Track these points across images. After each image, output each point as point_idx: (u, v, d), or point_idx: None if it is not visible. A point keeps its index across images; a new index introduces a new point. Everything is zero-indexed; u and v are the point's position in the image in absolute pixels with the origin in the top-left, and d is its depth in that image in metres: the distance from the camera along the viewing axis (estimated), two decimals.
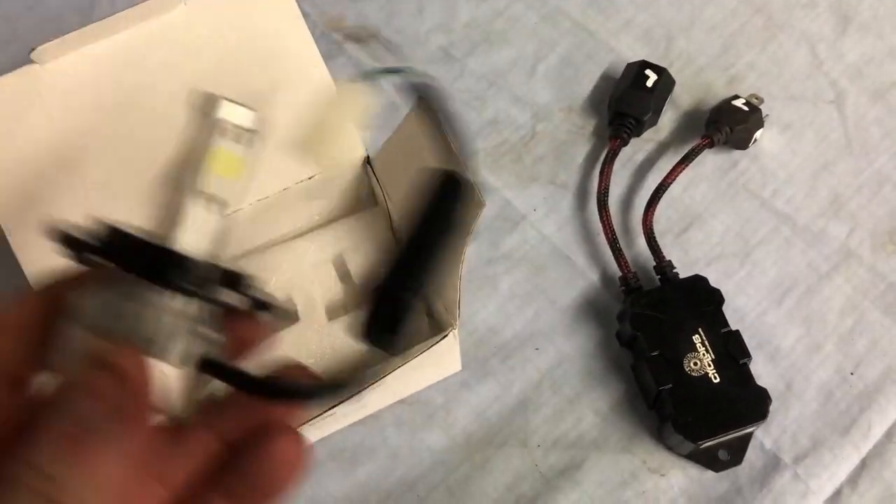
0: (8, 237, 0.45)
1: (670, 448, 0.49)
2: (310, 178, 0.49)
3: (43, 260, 0.45)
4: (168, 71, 0.47)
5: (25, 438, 0.24)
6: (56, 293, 0.28)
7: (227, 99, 0.29)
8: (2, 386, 0.27)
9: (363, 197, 0.53)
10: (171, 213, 0.29)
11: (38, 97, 0.45)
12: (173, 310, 0.27)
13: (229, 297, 0.28)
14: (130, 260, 0.27)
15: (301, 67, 0.48)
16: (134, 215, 0.47)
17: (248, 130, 0.30)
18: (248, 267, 0.51)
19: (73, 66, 0.46)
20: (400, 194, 0.48)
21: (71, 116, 0.46)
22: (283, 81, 0.48)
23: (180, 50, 0.47)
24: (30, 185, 0.46)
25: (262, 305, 0.29)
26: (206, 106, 0.29)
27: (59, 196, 0.46)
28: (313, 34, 0.49)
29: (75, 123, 0.46)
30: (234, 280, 0.28)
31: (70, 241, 0.27)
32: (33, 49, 0.44)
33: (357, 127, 0.31)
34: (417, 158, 0.45)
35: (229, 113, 0.29)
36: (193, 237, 0.28)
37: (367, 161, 0.50)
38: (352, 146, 0.49)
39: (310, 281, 0.51)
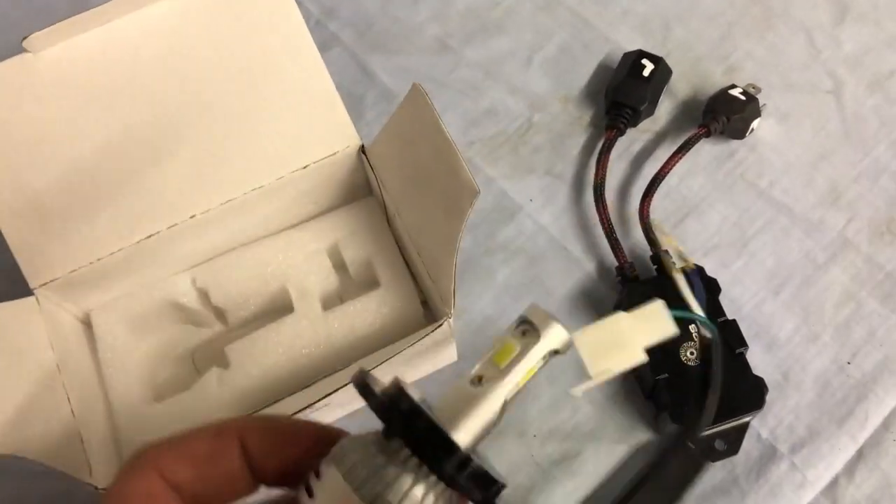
0: (0, 225, 0.45)
1: (667, 438, 0.49)
2: (304, 168, 0.48)
3: (35, 248, 0.46)
4: (161, 59, 0.47)
5: None
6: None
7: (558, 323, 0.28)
8: None
9: (358, 186, 0.53)
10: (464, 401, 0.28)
11: (30, 86, 0.45)
12: (424, 483, 0.26)
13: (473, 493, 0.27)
14: (411, 432, 0.26)
15: (295, 57, 0.48)
16: (125, 203, 0.47)
17: (551, 353, 0.28)
18: (242, 258, 0.51)
19: (65, 54, 0.45)
20: (395, 183, 0.48)
21: (63, 105, 0.46)
22: (276, 70, 0.48)
23: (174, 38, 0.47)
24: (22, 174, 0.45)
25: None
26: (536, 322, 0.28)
27: (51, 184, 0.46)
28: (308, 24, 0.49)
29: (68, 112, 0.46)
30: (485, 482, 0.26)
31: (366, 391, 0.27)
32: (25, 38, 0.44)
33: (641, 347, 0.30)
34: (412, 148, 0.45)
35: (553, 338, 0.28)
36: (474, 428, 0.28)
37: (362, 150, 0.50)
38: (347, 135, 0.49)
39: (304, 271, 0.51)
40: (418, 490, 0.26)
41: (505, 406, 0.28)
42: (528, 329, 0.28)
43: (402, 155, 0.46)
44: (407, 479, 0.26)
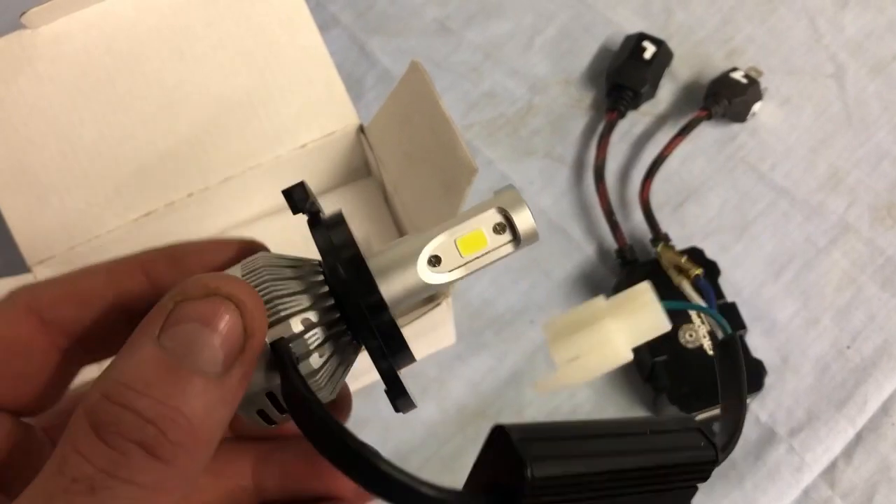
0: None
1: None
2: (302, 147, 0.48)
3: (32, 225, 0.45)
4: (160, 36, 0.46)
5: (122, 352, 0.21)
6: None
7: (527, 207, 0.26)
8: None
9: (356, 168, 0.53)
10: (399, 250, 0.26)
11: (28, 62, 0.45)
12: (321, 313, 0.24)
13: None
14: (331, 255, 0.24)
15: (294, 35, 0.48)
16: (123, 180, 0.47)
17: (515, 239, 0.26)
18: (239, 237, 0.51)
19: (64, 30, 0.45)
20: (393, 162, 0.48)
21: (62, 82, 0.45)
22: (275, 49, 0.48)
23: (172, 15, 0.46)
24: (19, 151, 0.45)
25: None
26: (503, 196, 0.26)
27: (48, 160, 0.45)
28: (308, 5, 0.49)
29: (66, 88, 0.45)
30: (392, 341, 0.24)
31: (299, 205, 0.25)
32: (24, 13, 0.43)
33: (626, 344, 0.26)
34: (411, 127, 0.45)
35: (522, 219, 0.26)
36: (398, 285, 0.25)
37: (361, 130, 0.49)
38: (346, 115, 0.49)
39: (302, 251, 0.50)
40: (312, 315, 0.24)
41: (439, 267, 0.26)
42: (502, 226, 0.26)
43: (401, 133, 0.46)
44: (304, 300, 0.24)
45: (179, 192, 0.47)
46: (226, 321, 0.21)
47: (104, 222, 0.46)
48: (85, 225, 0.46)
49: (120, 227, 0.47)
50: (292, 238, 0.50)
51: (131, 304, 0.25)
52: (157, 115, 0.46)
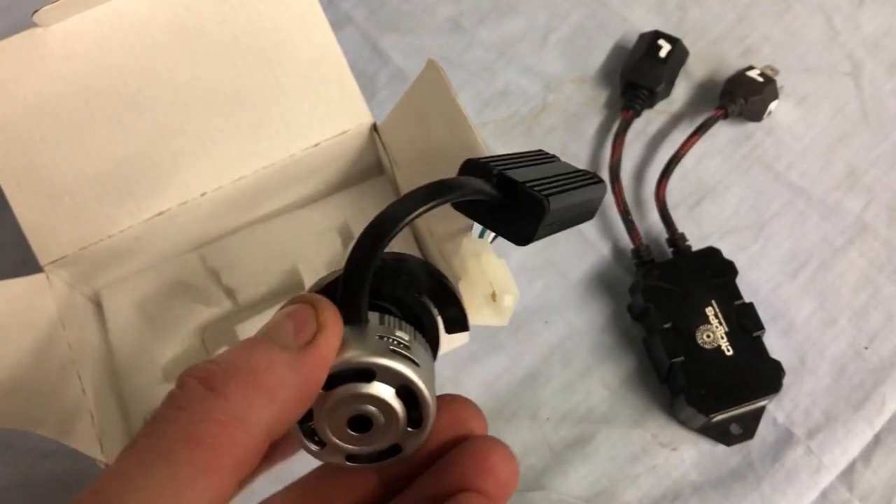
0: (9, 199, 0.45)
1: (682, 422, 0.49)
2: (315, 146, 0.48)
3: (44, 225, 0.45)
4: (172, 34, 0.46)
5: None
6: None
7: None
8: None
9: (369, 166, 0.52)
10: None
11: (40, 60, 0.44)
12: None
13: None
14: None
15: (307, 33, 0.48)
16: (135, 179, 0.46)
17: None
18: (253, 237, 0.51)
19: (76, 28, 0.45)
20: (407, 161, 0.47)
21: (74, 81, 0.45)
22: (288, 48, 0.47)
23: (184, 13, 0.46)
24: (32, 150, 0.45)
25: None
26: None
27: (60, 159, 0.45)
28: (320, 3, 0.48)
29: (78, 87, 0.45)
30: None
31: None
32: (36, 11, 0.43)
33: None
34: (425, 126, 0.44)
35: None
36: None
37: (374, 129, 0.49)
38: (359, 113, 0.49)
39: (314, 250, 0.50)
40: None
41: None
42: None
43: (416, 132, 0.45)
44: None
45: (192, 192, 0.47)
46: (301, 313, 0.26)
47: (116, 222, 0.46)
48: (97, 224, 0.46)
49: (132, 227, 0.46)
50: (304, 237, 0.50)
51: None
52: (169, 114, 0.46)
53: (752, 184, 0.55)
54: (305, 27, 0.48)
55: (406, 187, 0.48)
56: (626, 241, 0.53)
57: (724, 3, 0.62)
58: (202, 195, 0.47)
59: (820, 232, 0.53)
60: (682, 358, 0.47)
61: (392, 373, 0.26)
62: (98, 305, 0.50)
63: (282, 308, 0.27)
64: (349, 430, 0.27)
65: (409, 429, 0.27)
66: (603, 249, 0.54)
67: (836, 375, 0.49)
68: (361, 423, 0.27)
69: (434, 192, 0.28)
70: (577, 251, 0.54)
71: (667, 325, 0.48)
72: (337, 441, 0.27)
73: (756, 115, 0.56)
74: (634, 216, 0.53)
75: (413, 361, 0.27)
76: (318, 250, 0.50)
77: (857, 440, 0.48)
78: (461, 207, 0.32)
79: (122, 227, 0.46)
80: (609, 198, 0.54)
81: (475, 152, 0.39)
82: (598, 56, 0.61)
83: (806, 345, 0.50)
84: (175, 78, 0.46)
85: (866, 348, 0.50)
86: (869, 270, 0.52)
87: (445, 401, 0.29)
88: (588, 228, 0.54)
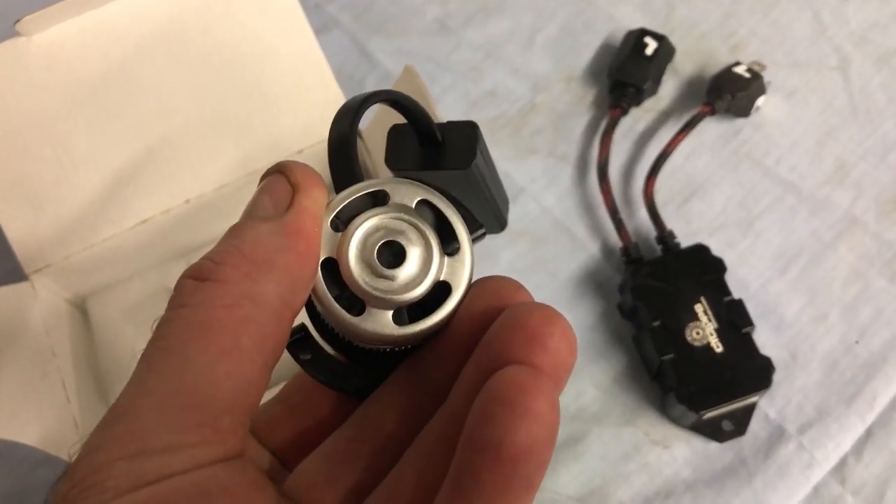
0: None
1: (673, 420, 0.49)
2: (299, 152, 0.48)
3: (29, 234, 0.45)
4: (154, 43, 0.46)
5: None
6: None
7: None
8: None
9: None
10: None
11: (23, 69, 0.45)
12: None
13: None
14: None
15: (290, 39, 0.48)
16: (119, 188, 0.46)
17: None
18: None
19: (58, 38, 0.45)
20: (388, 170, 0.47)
21: (56, 89, 0.45)
22: (271, 56, 0.48)
23: (166, 20, 0.46)
24: (15, 160, 0.45)
25: None
26: None
27: (44, 170, 0.45)
28: (307, 7, 0.48)
29: (61, 96, 0.45)
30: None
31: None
32: (18, 20, 0.43)
33: None
34: None
35: None
36: None
37: (359, 135, 0.49)
38: None
39: None
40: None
41: None
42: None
43: None
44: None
45: (176, 199, 0.47)
46: (272, 183, 0.25)
47: (99, 230, 0.46)
48: (81, 233, 0.46)
49: (116, 234, 0.46)
50: None
51: None
52: (152, 122, 0.46)
53: (741, 180, 0.55)
54: (288, 35, 0.48)
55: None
56: (616, 240, 0.53)
57: None
58: (186, 202, 0.47)
59: (809, 227, 0.53)
60: (671, 355, 0.47)
61: (405, 188, 0.25)
62: (84, 312, 0.50)
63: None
64: (384, 270, 0.24)
65: (448, 256, 0.25)
66: (592, 248, 0.54)
67: (828, 370, 0.49)
68: (393, 257, 0.25)
69: (388, 92, 0.27)
70: (567, 250, 0.54)
71: (656, 323, 0.48)
72: (373, 290, 0.24)
73: (743, 111, 0.56)
74: (623, 214, 0.53)
75: (423, 182, 0.26)
76: None
77: (849, 435, 0.48)
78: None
79: (106, 235, 0.46)
80: (598, 196, 0.54)
81: None
82: (585, 55, 0.61)
83: (797, 340, 0.50)
84: (158, 87, 0.46)
85: (857, 343, 0.50)
86: (859, 265, 0.52)
87: (479, 281, 0.26)
88: (577, 227, 0.54)
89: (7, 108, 0.45)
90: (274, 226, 0.24)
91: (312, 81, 0.48)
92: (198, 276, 0.23)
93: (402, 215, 0.25)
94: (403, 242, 0.25)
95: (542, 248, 0.54)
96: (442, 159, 0.28)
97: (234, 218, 0.50)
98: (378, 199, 0.25)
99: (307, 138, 0.48)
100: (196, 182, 0.47)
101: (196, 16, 0.46)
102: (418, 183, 0.26)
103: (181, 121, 0.46)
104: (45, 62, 0.45)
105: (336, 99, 0.48)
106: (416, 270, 0.25)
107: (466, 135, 0.28)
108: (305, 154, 0.48)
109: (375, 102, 0.26)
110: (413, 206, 0.25)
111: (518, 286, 0.25)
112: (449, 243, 0.25)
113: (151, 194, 0.46)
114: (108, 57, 0.46)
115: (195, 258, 0.50)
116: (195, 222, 0.48)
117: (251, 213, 0.25)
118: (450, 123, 0.28)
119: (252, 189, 0.48)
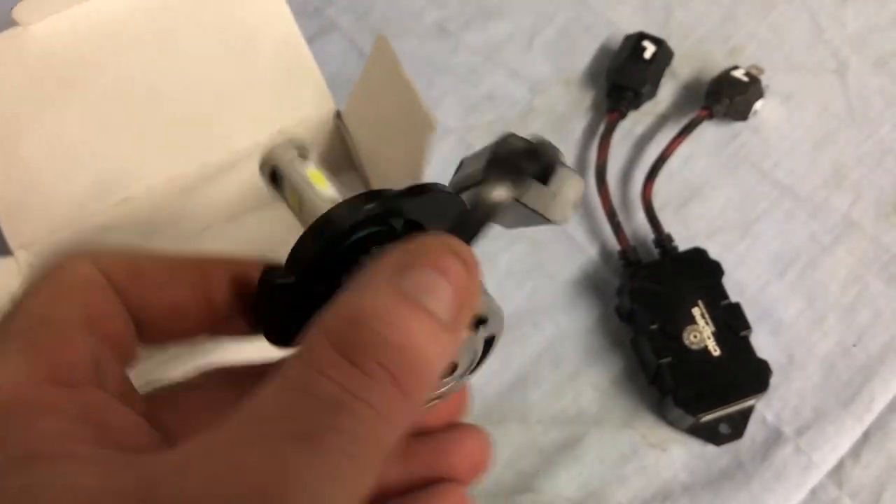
0: None
1: (671, 423, 0.49)
2: (279, 131, 0.49)
3: (16, 208, 0.46)
4: (147, 32, 0.47)
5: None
6: None
7: None
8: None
9: (338, 160, 0.53)
10: None
11: (20, 59, 0.46)
12: None
13: None
14: None
15: (272, 27, 0.49)
16: (117, 176, 0.47)
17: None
18: (224, 230, 0.52)
19: (56, 27, 0.46)
20: (374, 147, 0.48)
21: (51, 76, 0.46)
22: (254, 42, 0.49)
23: (159, 13, 0.47)
24: (9, 140, 0.46)
25: None
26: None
27: (36, 151, 0.46)
28: (306, 10, 0.49)
29: (55, 83, 0.46)
30: None
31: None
32: (14, 9, 0.44)
33: None
34: (382, 107, 0.45)
35: None
36: None
37: (338, 116, 0.49)
38: (322, 101, 0.50)
39: (285, 241, 0.50)
40: None
41: None
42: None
43: (375, 114, 0.46)
44: None
45: (158, 177, 0.48)
46: (456, 273, 0.22)
47: (85, 210, 0.47)
48: (67, 213, 0.47)
49: (99, 212, 0.48)
50: (278, 232, 0.50)
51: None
52: (141, 107, 0.48)
53: (739, 183, 0.55)
54: (270, 21, 0.49)
55: (374, 179, 0.49)
56: (614, 243, 0.53)
57: (709, 2, 0.62)
58: (168, 179, 0.48)
59: (807, 230, 0.54)
60: (669, 359, 0.47)
61: (497, 320, 0.26)
62: None
63: (415, 247, 0.22)
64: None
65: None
66: (590, 251, 0.54)
67: (825, 373, 0.50)
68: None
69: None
70: (565, 253, 0.54)
71: (654, 326, 0.48)
72: None
73: (741, 114, 0.56)
74: (621, 217, 0.53)
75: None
76: (289, 241, 0.51)
77: (847, 437, 0.48)
78: None
79: (91, 213, 0.47)
80: (596, 199, 0.54)
81: (418, 114, 0.39)
82: (583, 58, 0.61)
83: (794, 343, 0.50)
84: (148, 73, 0.48)
85: (854, 346, 0.50)
86: (856, 268, 0.52)
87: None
88: (575, 230, 0.55)
89: (2, 92, 0.46)
90: (448, 342, 0.22)
91: (293, 64, 0.49)
92: (393, 376, 0.21)
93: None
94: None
95: (541, 251, 0.54)
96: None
97: (220, 203, 0.51)
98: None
99: (286, 118, 0.50)
100: (179, 161, 0.48)
101: (186, 6, 0.48)
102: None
103: (169, 107, 0.48)
104: (42, 50, 0.46)
105: (316, 82, 0.50)
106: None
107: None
108: (286, 133, 0.49)
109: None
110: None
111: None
112: None
113: (134, 173, 0.48)
114: (102, 46, 0.47)
115: (181, 243, 0.52)
116: (179, 203, 0.50)
117: (429, 303, 0.21)
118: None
119: (234, 168, 0.49)
